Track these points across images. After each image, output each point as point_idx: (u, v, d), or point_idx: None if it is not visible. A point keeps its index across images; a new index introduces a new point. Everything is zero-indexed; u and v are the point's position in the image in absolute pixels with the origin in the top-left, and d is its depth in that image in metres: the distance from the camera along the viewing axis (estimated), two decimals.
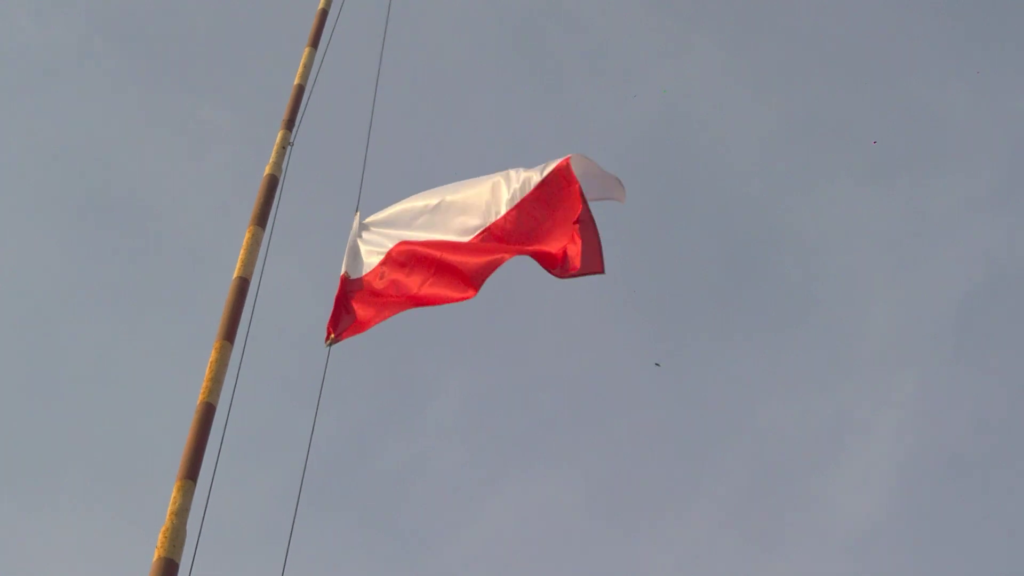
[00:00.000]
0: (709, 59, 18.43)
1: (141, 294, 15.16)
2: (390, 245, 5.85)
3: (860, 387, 15.89)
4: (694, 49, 18.66)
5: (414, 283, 5.64)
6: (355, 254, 5.92)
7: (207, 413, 4.98)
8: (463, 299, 5.45)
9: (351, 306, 5.61)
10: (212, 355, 5.13)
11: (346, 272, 5.85)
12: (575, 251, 5.36)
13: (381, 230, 5.97)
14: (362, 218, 6.01)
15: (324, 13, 7.08)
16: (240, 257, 5.45)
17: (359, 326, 5.61)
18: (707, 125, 17.80)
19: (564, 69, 18.26)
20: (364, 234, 5.87)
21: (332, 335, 5.54)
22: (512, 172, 5.80)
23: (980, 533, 14.30)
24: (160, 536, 4.60)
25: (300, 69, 6.52)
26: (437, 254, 5.60)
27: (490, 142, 17.32)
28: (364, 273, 5.74)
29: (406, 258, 5.73)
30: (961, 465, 15.07)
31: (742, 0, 18.75)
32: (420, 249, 5.72)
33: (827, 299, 16.70)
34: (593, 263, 5.38)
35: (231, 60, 17.28)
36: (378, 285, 5.72)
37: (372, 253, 5.76)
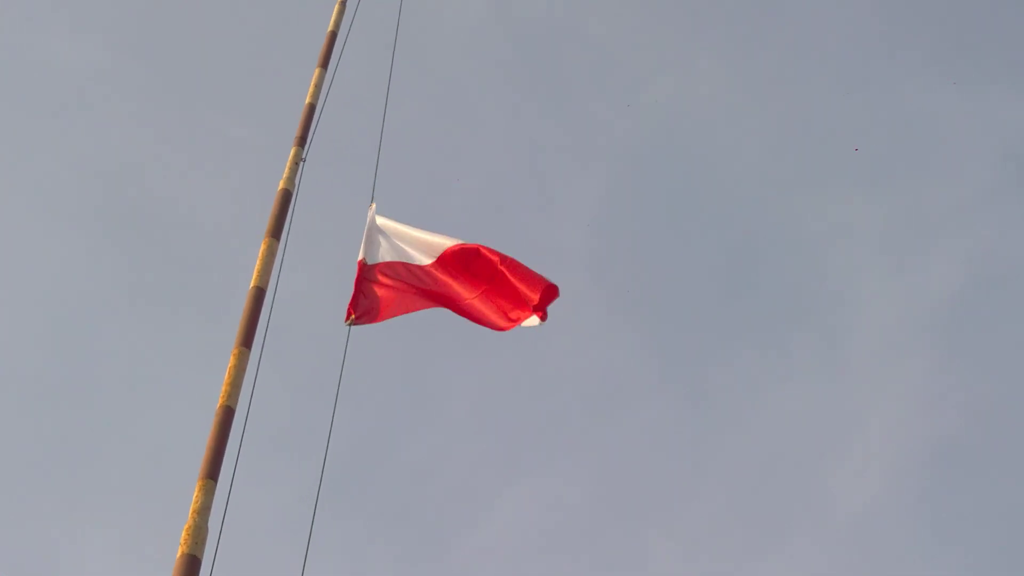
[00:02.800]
0: (710, 69, 18.73)
1: (167, 302, 15.57)
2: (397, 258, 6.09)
3: (857, 381, 16.19)
4: (696, 60, 18.99)
5: (421, 288, 5.90)
6: (372, 242, 6.13)
7: (227, 416, 5.05)
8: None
9: (369, 290, 5.84)
10: (231, 361, 5.22)
11: (363, 258, 6.04)
12: (525, 294, 5.73)
13: (388, 239, 6.17)
14: (377, 211, 6.21)
15: (333, 35, 7.21)
16: (256, 268, 5.54)
17: (376, 313, 5.83)
18: (709, 132, 18.10)
19: (571, 80, 18.39)
20: (378, 231, 6.07)
21: (352, 315, 5.73)
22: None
23: (970, 520, 14.60)
24: (183, 533, 4.66)
25: (311, 89, 6.63)
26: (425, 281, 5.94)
27: (499, 151, 17.84)
28: (379, 261, 5.93)
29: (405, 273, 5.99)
30: (953, 455, 15.47)
31: (740, 13, 19.04)
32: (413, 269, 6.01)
33: (825, 298, 17.06)
34: (540, 290, 5.71)
35: (251, 79, 17.62)
36: (390, 276, 5.94)
37: (386, 249, 5.99)
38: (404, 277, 6.03)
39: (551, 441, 14.94)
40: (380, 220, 6.13)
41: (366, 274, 5.90)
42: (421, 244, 6.24)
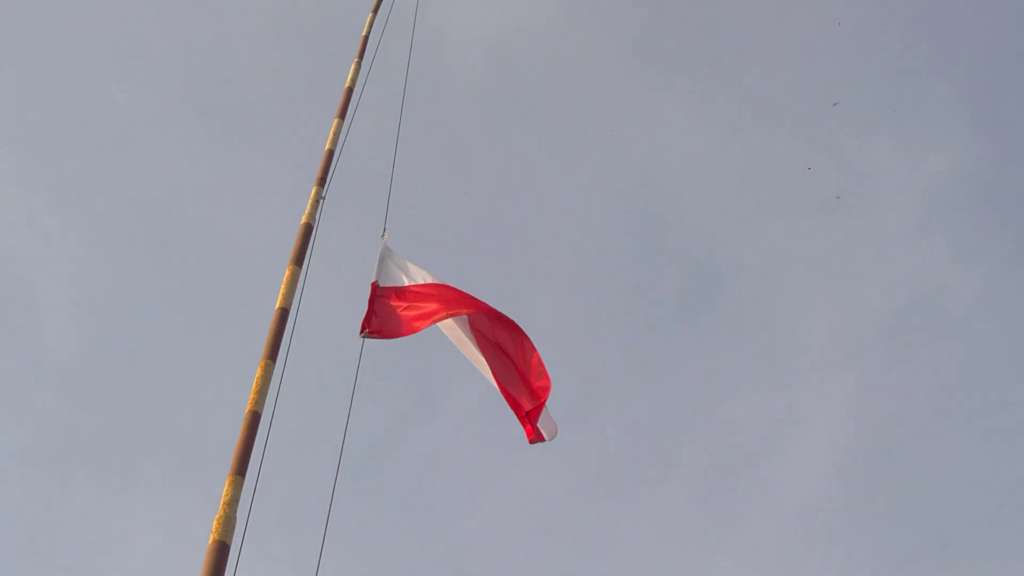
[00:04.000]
0: (676, 119, 20.74)
1: (205, 318, 17.13)
2: (405, 283, 6.65)
3: (804, 387, 18.26)
4: (664, 111, 20.90)
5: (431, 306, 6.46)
6: (384, 266, 6.65)
7: (254, 420, 5.45)
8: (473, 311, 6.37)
9: (381, 308, 6.34)
10: (258, 372, 5.64)
11: (376, 280, 6.59)
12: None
13: (395, 268, 6.75)
14: (388, 241, 6.80)
15: (349, 90, 7.75)
16: (281, 291, 6.03)
17: (388, 332, 6.33)
18: (675, 172, 20.17)
19: (557, 127, 20.36)
20: (389, 257, 6.66)
21: (367, 329, 6.24)
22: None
23: (898, 508, 16.37)
24: (215, 522, 5.07)
25: (330, 136, 7.15)
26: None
27: (494, 186, 19.76)
28: (391, 285, 6.49)
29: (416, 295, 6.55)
30: (888, 453, 17.27)
31: (702, 73, 21.11)
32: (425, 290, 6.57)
33: (776, 315, 19.09)
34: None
35: (280, 127, 19.29)
36: (402, 299, 6.49)
37: (398, 272, 6.56)
38: (413, 300, 6.50)
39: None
40: (392, 248, 6.73)
41: (379, 293, 6.43)
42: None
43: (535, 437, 6.28)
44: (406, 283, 6.64)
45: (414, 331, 6.22)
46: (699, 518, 16.35)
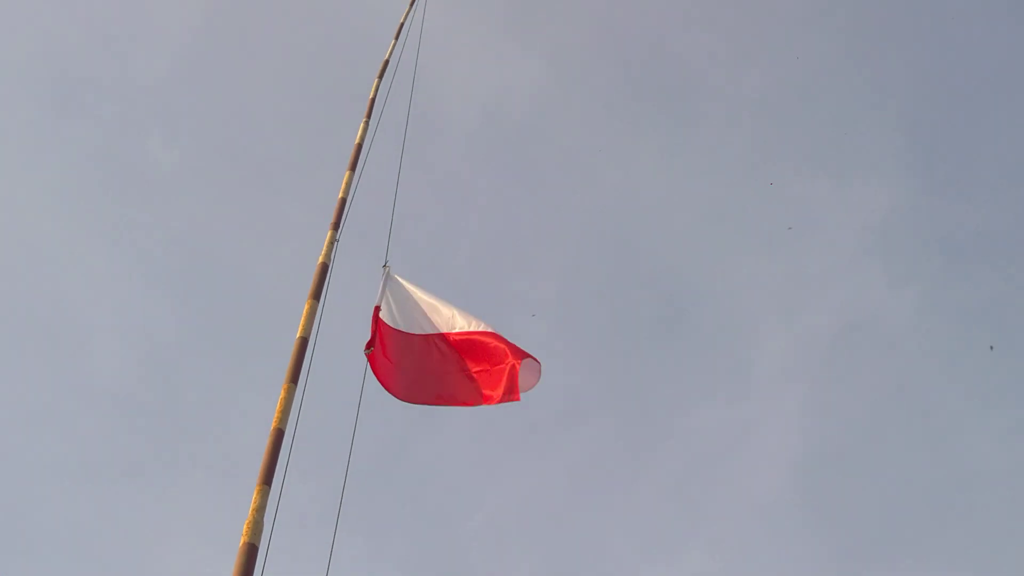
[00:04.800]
0: (649, 164, 23.19)
1: (233, 346, 19.21)
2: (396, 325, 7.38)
3: (760, 398, 20.70)
4: (638, 156, 23.31)
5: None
6: (385, 297, 7.35)
7: (278, 436, 5.94)
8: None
9: (380, 334, 7.04)
10: (281, 394, 6.13)
11: (378, 305, 7.30)
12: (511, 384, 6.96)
13: (393, 303, 7.45)
14: (390, 271, 7.53)
15: (359, 146, 8.44)
16: (301, 322, 6.58)
17: (385, 381, 7.02)
18: (647, 211, 22.83)
19: (543, 172, 22.98)
20: (388, 288, 7.39)
21: (370, 348, 6.94)
22: (474, 320, 7.31)
23: (841, 506, 18.61)
24: (245, 526, 5.50)
25: (343, 186, 7.77)
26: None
27: (486, 224, 22.40)
28: (388, 322, 7.19)
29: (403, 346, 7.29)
30: (835, 454, 19.82)
31: (671, 120, 23.82)
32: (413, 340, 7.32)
33: (735, 335, 21.54)
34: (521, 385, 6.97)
35: (299, 177, 21.40)
36: (395, 349, 7.18)
37: (390, 310, 7.28)
38: (406, 356, 7.14)
39: (527, 447, 18.80)
40: (396, 277, 7.45)
41: (379, 316, 7.16)
42: (427, 310, 7.43)
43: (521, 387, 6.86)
44: (404, 329, 7.31)
45: (407, 399, 6.96)
46: (672, 512, 18.91)
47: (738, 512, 18.48)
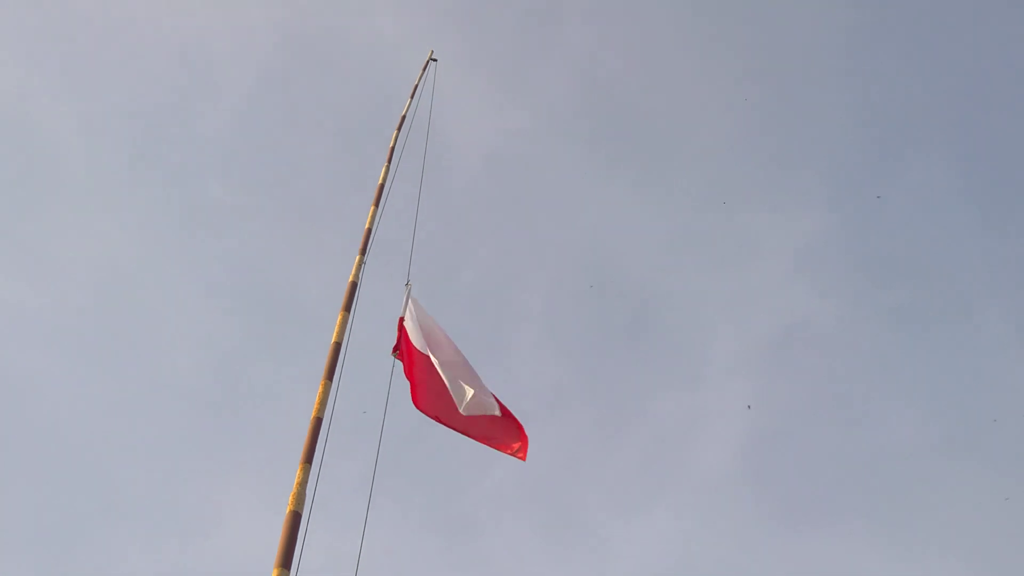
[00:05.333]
0: (621, 198, 27.70)
1: (283, 350, 22.93)
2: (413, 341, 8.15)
3: (712, 390, 24.94)
4: (613, 190, 27.67)
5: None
6: (407, 308, 8.09)
7: (317, 424, 6.75)
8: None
9: (406, 341, 7.97)
10: (319, 389, 6.93)
11: (402, 316, 8.12)
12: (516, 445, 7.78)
13: (413, 320, 8.42)
14: (412, 288, 8.34)
15: (381, 186, 9.17)
16: (336, 330, 7.39)
17: (415, 396, 7.87)
18: (621, 237, 27.11)
19: (531, 209, 27.00)
20: (410, 300, 8.39)
21: (397, 350, 7.79)
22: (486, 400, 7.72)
23: (784, 476, 23.02)
24: (290, 497, 6.28)
25: (368, 218, 8.62)
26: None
27: (487, 250, 26.40)
28: (408, 327, 8.17)
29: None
30: (774, 437, 23.83)
31: (640, 161, 28.14)
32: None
33: (692, 338, 25.94)
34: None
35: (334, 211, 24.95)
36: (419, 366, 8.11)
37: (413, 323, 8.27)
38: (420, 369, 7.78)
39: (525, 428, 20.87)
40: (415, 296, 8.47)
41: (402, 326, 8.02)
42: (433, 339, 8.03)
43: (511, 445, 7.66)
44: (415, 340, 8.04)
45: (435, 418, 7.76)
46: (639, 481, 23.15)
47: (693, 481, 23.31)
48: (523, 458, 7.64)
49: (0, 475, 19.58)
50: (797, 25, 29.00)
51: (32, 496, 20.10)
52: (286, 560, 6.18)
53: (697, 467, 23.55)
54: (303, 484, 6.50)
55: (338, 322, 7.63)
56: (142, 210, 25.62)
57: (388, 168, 9.62)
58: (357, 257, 8.38)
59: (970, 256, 27.42)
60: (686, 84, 29.23)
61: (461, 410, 7.63)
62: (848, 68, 28.63)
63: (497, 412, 7.64)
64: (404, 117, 10.70)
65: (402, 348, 7.95)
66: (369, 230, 8.70)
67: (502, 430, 7.78)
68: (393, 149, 9.93)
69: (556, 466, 22.21)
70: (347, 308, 7.77)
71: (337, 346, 7.45)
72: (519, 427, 7.78)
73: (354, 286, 8.08)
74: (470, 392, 7.66)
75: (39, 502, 19.98)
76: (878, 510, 22.00)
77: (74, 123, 25.34)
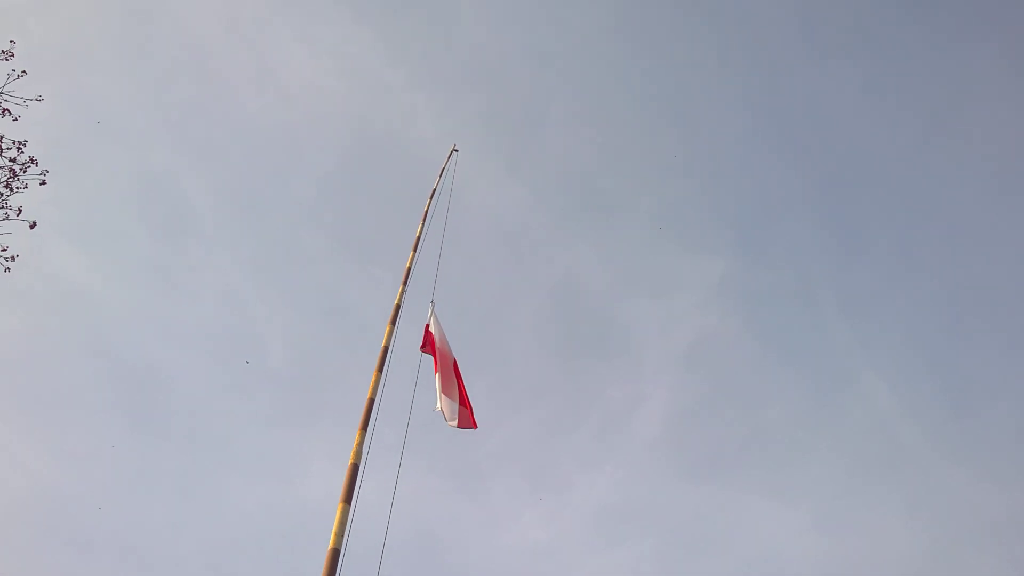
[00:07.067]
0: (584, 246, 36.85)
1: (349, 351, 30.87)
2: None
3: (648, 381, 33.99)
4: (582, 239, 37.37)
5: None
6: (432, 319, 10.66)
7: (370, 403, 9.02)
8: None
9: (431, 342, 10.38)
10: (373, 376, 9.32)
11: (428, 324, 10.54)
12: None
13: (437, 328, 10.84)
14: (435, 306, 10.92)
15: (418, 238, 12.15)
16: (385, 335, 9.92)
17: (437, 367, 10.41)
18: (583, 272, 36.02)
19: (524, 252, 35.40)
20: (434, 315, 10.79)
21: (424, 347, 10.26)
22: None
23: (701, 446, 32.06)
24: (351, 453, 8.32)
25: (408, 259, 11.05)
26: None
27: (489, 283, 33.33)
28: (433, 331, 10.57)
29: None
30: (694, 413, 33.08)
31: (602, 220, 37.29)
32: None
33: (632, 345, 34.85)
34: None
35: (388, 249, 31.60)
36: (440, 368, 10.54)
37: (436, 332, 10.68)
38: (446, 382, 10.69)
39: (516, 407, 31.52)
40: (435, 312, 10.81)
41: (428, 330, 10.56)
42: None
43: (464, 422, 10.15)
44: (438, 341, 10.69)
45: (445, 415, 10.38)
46: (593, 445, 31.48)
47: (632, 446, 32.27)
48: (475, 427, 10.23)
49: (156, 436, 28.70)
50: (716, 135, 40.24)
51: (175, 450, 28.97)
52: (348, 497, 7.99)
53: (634, 436, 33.32)
54: (360, 444, 8.56)
55: (387, 332, 10.29)
56: (253, 250, 35.62)
57: (423, 225, 12.16)
58: (400, 287, 10.83)
59: (827, 284, 38.59)
60: (632, 169, 39.97)
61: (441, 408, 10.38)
62: (742, 161, 39.65)
63: (456, 422, 10.31)
64: (434, 190, 13.15)
65: (429, 345, 10.28)
66: (409, 269, 11.21)
67: (463, 417, 10.39)
68: (427, 213, 12.42)
69: (539, 433, 32.39)
70: (392, 322, 10.38)
71: (385, 350, 9.92)
72: (471, 415, 10.13)
73: (397, 308, 10.59)
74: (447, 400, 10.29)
75: (180, 453, 29.06)
76: (759, 468, 31.84)
77: (204, 185, 35.34)
